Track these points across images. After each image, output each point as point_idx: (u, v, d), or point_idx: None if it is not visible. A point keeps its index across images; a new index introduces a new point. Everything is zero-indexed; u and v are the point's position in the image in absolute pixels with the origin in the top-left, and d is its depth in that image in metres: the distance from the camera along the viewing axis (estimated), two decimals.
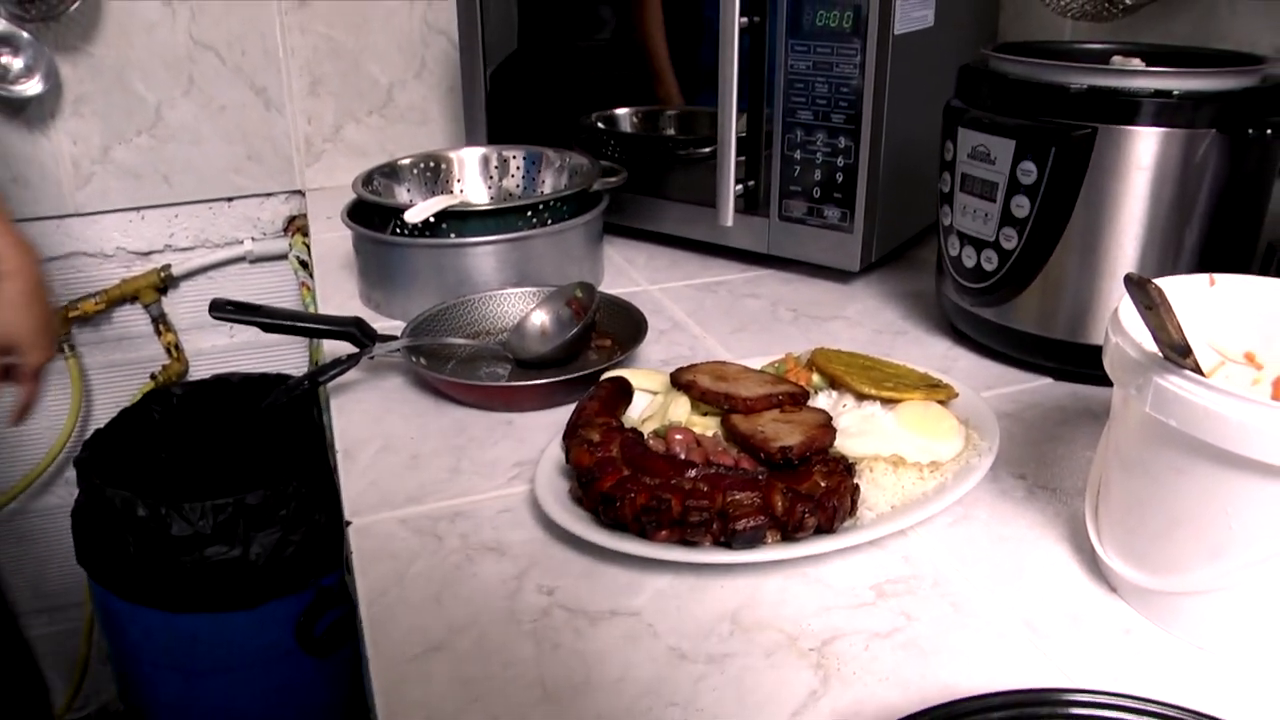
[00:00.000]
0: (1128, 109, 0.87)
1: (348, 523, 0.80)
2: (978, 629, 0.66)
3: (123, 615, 1.51)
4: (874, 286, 1.25)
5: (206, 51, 1.66)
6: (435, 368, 1.01)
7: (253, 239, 1.80)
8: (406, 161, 1.33)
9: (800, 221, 1.21)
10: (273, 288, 1.85)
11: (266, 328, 1.01)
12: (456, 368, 1.03)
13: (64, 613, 1.94)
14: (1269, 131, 0.85)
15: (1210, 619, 0.64)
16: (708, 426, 0.84)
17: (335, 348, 1.04)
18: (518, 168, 1.36)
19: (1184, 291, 0.74)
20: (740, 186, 1.23)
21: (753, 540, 0.70)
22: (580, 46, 1.37)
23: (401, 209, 1.12)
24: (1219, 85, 0.87)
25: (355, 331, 1.00)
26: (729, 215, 1.22)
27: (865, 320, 1.15)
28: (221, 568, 1.41)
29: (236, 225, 1.79)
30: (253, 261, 1.82)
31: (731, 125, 1.17)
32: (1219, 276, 0.74)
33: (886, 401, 0.85)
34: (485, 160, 1.37)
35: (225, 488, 1.42)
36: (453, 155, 1.36)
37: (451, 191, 1.35)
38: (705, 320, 1.15)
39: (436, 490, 0.83)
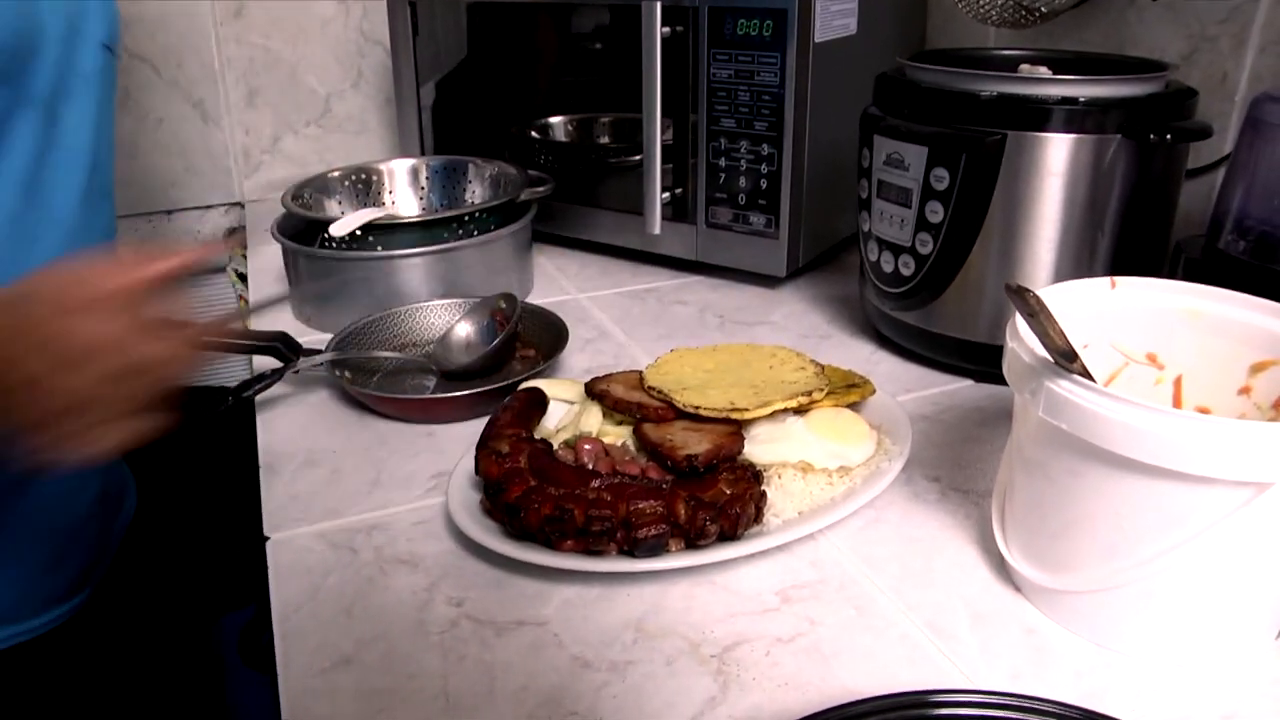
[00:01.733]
0: (1036, 115, 0.89)
1: (265, 538, 0.80)
2: (881, 631, 0.67)
3: None
4: (801, 291, 1.26)
5: (142, 64, 1.65)
6: (361, 381, 1.01)
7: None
8: (336, 174, 1.32)
9: (727, 229, 1.22)
10: (214, 300, 1.83)
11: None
12: (383, 380, 1.03)
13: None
14: (1168, 136, 0.87)
15: (1107, 617, 0.65)
16: (620, 436, 0.84)
17: (267, 362, 1.04)
18: (447, 178, 1.36)
19: (1087, 295, 0.75)
20: (668, 194, 1.24)
21: (655, 549, 0.70)
22: (529, 53, 1.37)
23: (327, 222, 1.12)
24: (1124, 92, 0.89)
25: (280, 346, 1.00)
26: (656, 223, 1.23)
27: (791, 325, 1.16)
28: None
29: (177, 238, 1.78)
30: (195, 273, 1.80)
31: (656, 134, 1.18)
32: (1120, 279, 0.75)
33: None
34: (414, 171, 1.37)
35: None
36: (383, 167, 1.36)
37: (383, 203, 1.35)
38: (632, 328, 1.16)
39: (355, 503, 0.83)
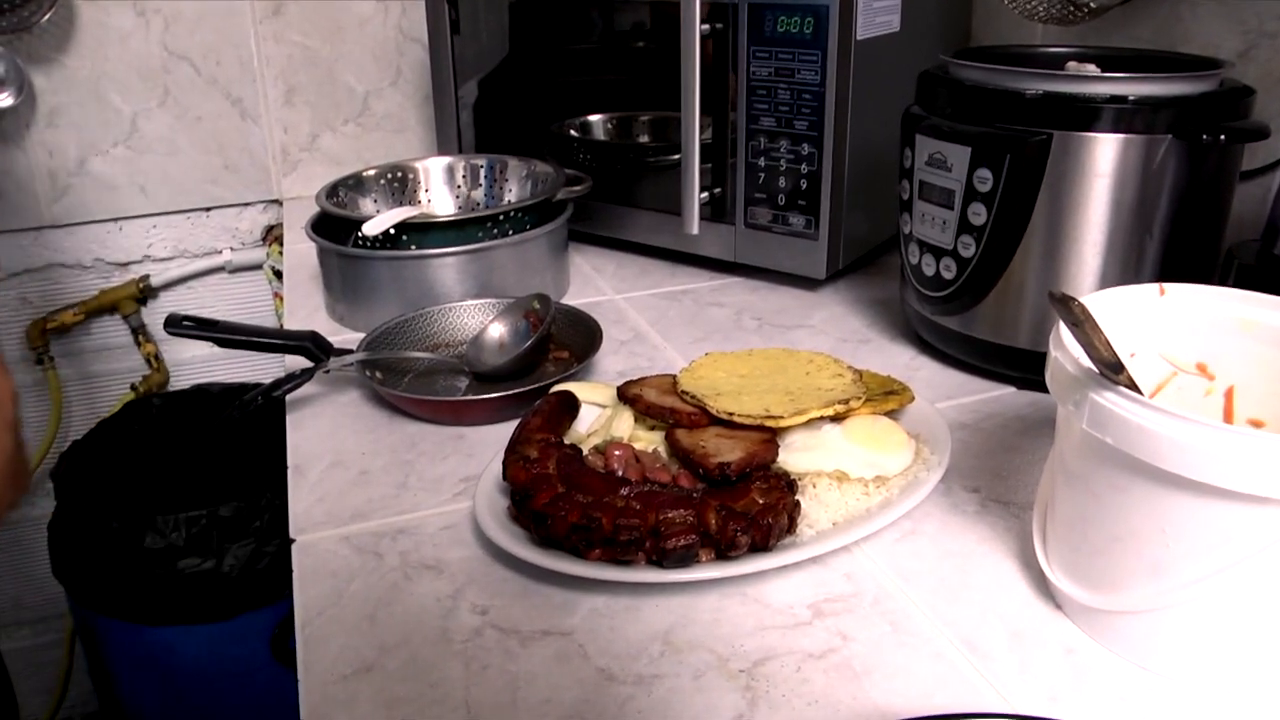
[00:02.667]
0: (1083, 115, 0.86)
1: (291, 540, 0.79)
2: (915, 649, 0.65)
3: (99, 628, 1.51)
4: (841, 294, 1.23)
5: (181, 62, 1.65)
6: (391, 381, 1.00)
7: (231, 249, 1.80)
8: (372, 173, 1.32)
9: (766, 229, 1.20)
10: (250, 298, 1.84)
11: (221, 343, 1.00)
12: (413, 381, 1.02)
13: (46, 625, 1.94)
14: (1222, 136, 0.84)
15: (1151, 638, 0.63)
16: (652, 441, 0.83)
17: (298, 362, 1.03)
18: (484, 177, 1.35)
19: (1135, 302, 0.73)
20: (706, 194, 1.22)
21: (685, 559, 0.69)
22: (570, 51, 1.36)
23: (361, 221, 1.11)
24: (1175, 90, 0.86)
25: (310, 346, 0.99)
26: (695, 223, 1.21)
27: (830, 329, 1.14)
28: (195, 580, 1.40)
29: (215, 235, 1.79)
30: (231, 271, 1.81)
31: (695, 133, 1.16)
32: (1169, 286, 0.73)
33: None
34: (450, 170, 1.36)
35: (200, 499, 1.42)
36: (419, 165, 1.35)
37: (418, 202, 1.34)
38: (668, 330, 1.14)
39: (382, 506, 0.82)
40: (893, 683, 0.62)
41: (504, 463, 0.78)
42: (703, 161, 1.19)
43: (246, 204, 1.77)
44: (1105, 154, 0.86)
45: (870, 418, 0.83)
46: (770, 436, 0.79)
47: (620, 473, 0.76)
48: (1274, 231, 0.90)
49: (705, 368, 0.90)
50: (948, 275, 0.96)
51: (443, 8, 1.42)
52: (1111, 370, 0.59)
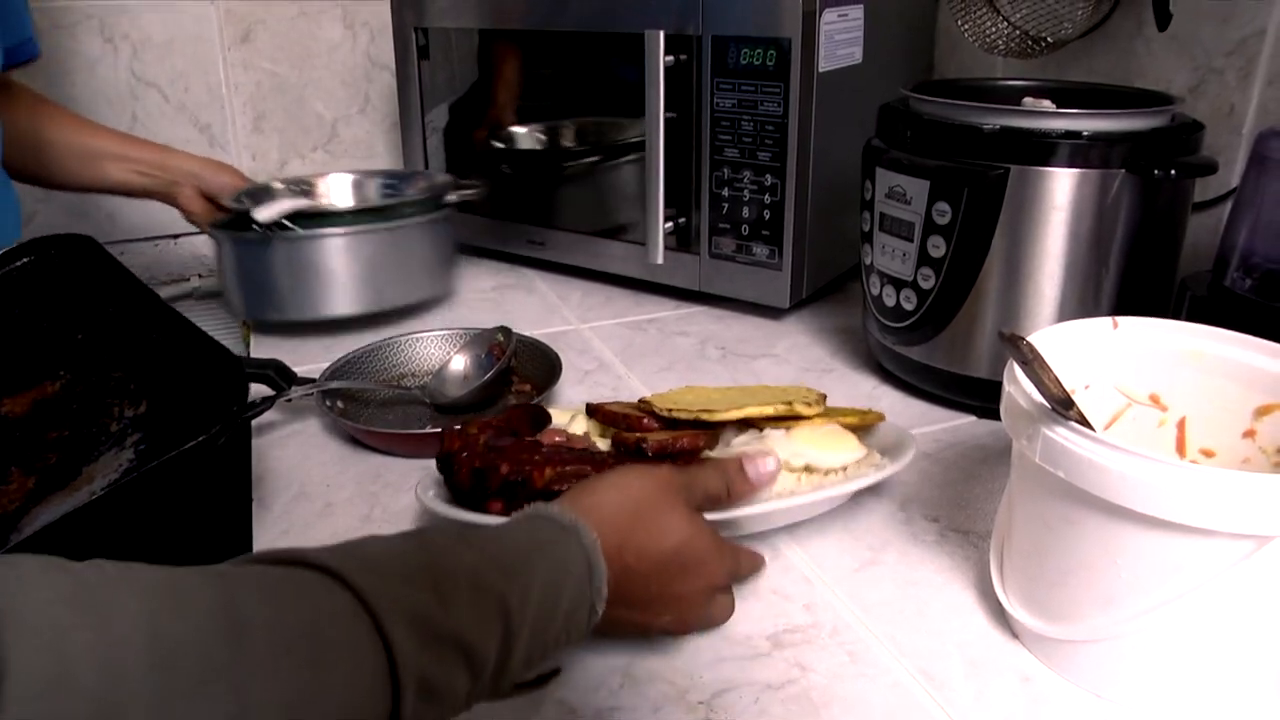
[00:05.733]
0: (1040, 150, 0.88)
1: None
2: (873, 679, 0.65)
3: None
4: (805, 322, 1.25)
5: (149, 89, 1.65)
6: (353, 411, 1.00)
7: (199, 276, 1.79)
8: (279, 185, 1.35)
9: (730, 259, 1.21)
10: (220, 325, 1.83)
11: None
12: (376, 411, 1.02)
13: None
14: (1173, 171, 0.85)
15: (1105, 667, 0.64)
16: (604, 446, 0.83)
17: (259, 389, 1.03)
18: (385, 191, 1.41)
19: (1089, 335, 0.74)
20: (671, 224, 1.23)
21: None
22: (537, 77, 1.37)
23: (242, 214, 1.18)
24: (1128, 126, 0.88)
25: (272, 374, 0.99)
26: (659, 253, 1.22)
27: (793, 358, 1.14)
28: None
29: (184, 263, 1.78)
30: (200, 298, 1.80)
31: (659, 163, 1.18)
32: (1122, 319, 0.74)
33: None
34: (358, 185, 1.43)
35: None
36: (325, 179, 1.43)
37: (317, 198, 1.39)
38: (632, 360, 1.15)
39: (347, 539, 0.82)
40: (851, 714, 0.62)
41: (442, 434, 0.79)
42: (667, 191, 1.20)
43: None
44: (1061, 188, 0.88)
45: (821, 425, 0.81)
46: (708, 435, 0.79)
47: (550, 448, 0.77)
48: (1224, 264, 0.92)
49: (680, 392, 0.89)
50: (908, 306, 0.97)
51: (411, 34, 1.43)
52: (1062, 406, 0.60)
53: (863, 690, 0.64)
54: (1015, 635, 0.70)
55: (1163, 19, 1.08)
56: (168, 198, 1.29)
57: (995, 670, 0.66)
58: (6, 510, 0.66)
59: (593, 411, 0.85)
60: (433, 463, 0.79)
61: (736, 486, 0.68)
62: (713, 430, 0.79)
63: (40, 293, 0.71)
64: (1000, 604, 0.70)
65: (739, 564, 0.69)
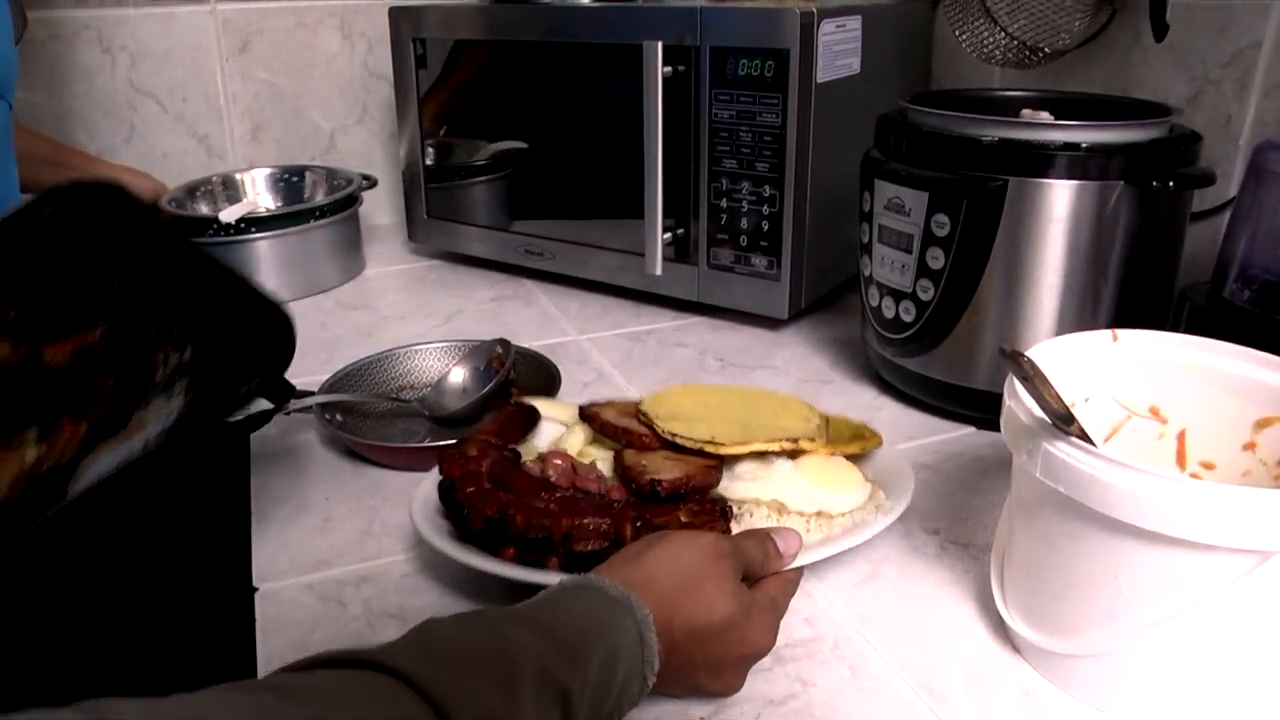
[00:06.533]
0: (1038, 161, 0.88)
1: (254, 589, 0.79)
2: (874, 693, 0.65)
3: None
4: (804, 333, 1.25)
5: (147, 99, 1.65)
6: (352, 424, 1.00)
7: None
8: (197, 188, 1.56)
9: (729, 270, 1.22)
10: None
11: None
12: (375, 424, 1.02)
13: None
14: (1171, 183, 0.85)
15: (1106, 681, 0.64)
16: (603, 460, 0.83)
17: (259, 402, 1.03)
18: (289, 185, 1.64)
19: (1089, 348, 0.74)
20: (669, 235, 1.23)
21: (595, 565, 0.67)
22: (535, 86, 1.37)
23: (201, 219, 1.38)
24: (1126, 137, 0.88)
25: (273, 387, 0.99)
26: (658, 264, 1.22)
27: (792, 369, 1.14)
28: None
29: None
30: None
31: (658, 174, 1.18)
32: (1122, 332, 0.74)
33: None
34: (272, 179, 1.65)
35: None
36: (240, 176, 1.63)
37: (253, 201, 1.60)
38: (631, 371, 1.15)
39: (346, 553, 0.82)
40: None
41: (440, 457, 0.78)
42: (665, 202, 1.20)
43: None
44: (1060, 199, 0.88)
45: (826, 457, 0.81)
46: (715, 463, 0.78)
47: (554, 479, 0.77)
48: (1223, 275, 0.92)
49: (677, 395, 0.88)
50: (907, 318, 0.97)
51: (409, 44, 1.43)
52: (1063, 421, 0.60)
53: (864, 705, 0.64)
54: (1016, 649, 0.70)
55: (1160, 30, 1.08)
56: None
57: (996, 684, 0.66)
58: (61, 461, 0.66)
59: (589, 417, 0.85)
60: (427, 484, 0.79)
61: (771, 560, 0.68)
62: (720, 461, 0.79)
63: (70, 241, 0.70)
64: (1001, 617, 0.70)
65: (779, 615, 0.68)
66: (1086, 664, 0.64)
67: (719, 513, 0.72)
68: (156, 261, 0.71)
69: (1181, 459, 0.75)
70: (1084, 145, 0.87)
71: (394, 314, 1.35)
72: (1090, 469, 0.57)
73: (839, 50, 1.16)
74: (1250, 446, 0.71)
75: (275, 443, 1.00)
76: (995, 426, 0.95)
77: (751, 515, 0.75)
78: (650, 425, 0.81)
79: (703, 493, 0.75)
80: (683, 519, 0.70)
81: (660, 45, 1.14)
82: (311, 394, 1.00)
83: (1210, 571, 0.56)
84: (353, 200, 1.50)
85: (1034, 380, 0.58)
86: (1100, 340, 0.74)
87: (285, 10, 1.68)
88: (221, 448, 1.02)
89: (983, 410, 0.97)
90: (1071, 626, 0.64)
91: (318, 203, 1.47)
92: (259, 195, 1.63)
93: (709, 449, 0.78)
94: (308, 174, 1.64)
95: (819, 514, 0.76)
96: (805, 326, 1.26)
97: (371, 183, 1.58)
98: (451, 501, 0.73)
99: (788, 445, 0.79)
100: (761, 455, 0.80)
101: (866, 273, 1.02)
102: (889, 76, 1.30)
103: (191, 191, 1.56)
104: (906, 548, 0.81)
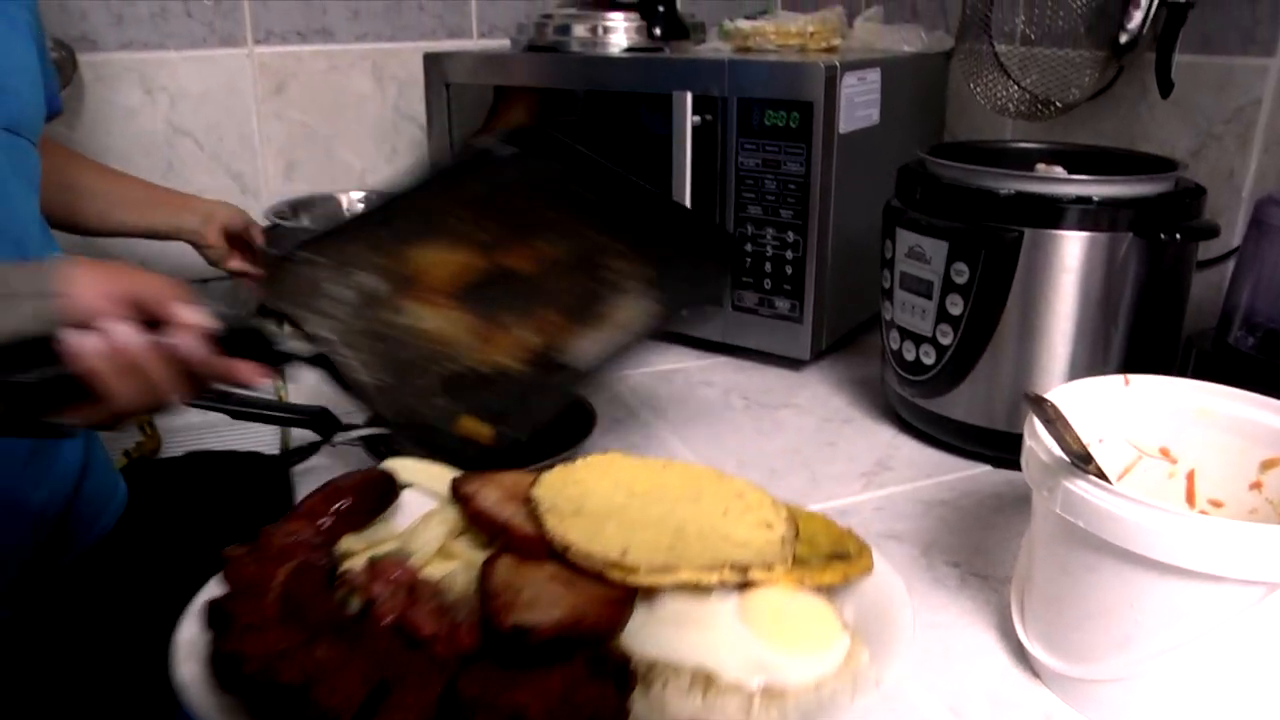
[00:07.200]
0: (1052, 214, 0.93)
1: None
2: (904, 714, 0.70)
3: None
4: (824, 373, 1.29)
5: (185, 138, 1.71)
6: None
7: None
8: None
9: (752, 312, 1.27)
10: None
11: (235, 414, 1.04)
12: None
13: None
14: (1178, 235, 0.90)
15: (1122, 705, 0.68)
16: (472, 565, 0.59)
17: (302, 434, 1.07)
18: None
19: (1102, 392, 0.79)
20: None
21: None
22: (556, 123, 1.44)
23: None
24: (1134, 191, 0.93)
25: (320, 420, 1.04)
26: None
27: (815, 408, 1.19)
28: None
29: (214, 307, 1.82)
30: None
31: None
32: (1134, 377, 0.79)
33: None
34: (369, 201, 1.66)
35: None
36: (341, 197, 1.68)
37: None
38: (660, 409, 1.19)
39: None
40: None
41: (228, 555, 0.58)
42: None
43: (245, 275, 1.82)
44: (1073, 250, 0.93)
45: (790, 592, 0.59)
46: (625, 596, 0.55)
47: (379, 608, 0.54)
48: (1228, 323, 0.97)
49: (592, 469, 0.68)
50: (927, 361, 1.02)
51: (443, 90, 1.48)
52: (1081, 461, 0.64)
53: None
54: (1036, 674, 0.74)
55: (1165, 86, 1.14)
56: (194, 236, 1.41)
57: (1018, 708, 0.71)
58: (553, 342, 0.84)
59: (463, 498, 0.63)
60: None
61: None
62: (629, 596, 0.56)
63: (529, 173, 0.90)
64: (1020, 645, 0.74)
65: None
66: (1103, 689, 0.68)
67: (609, 682, 0.50)
68: (600, 191, 0.92)
69: (1191, 497, 0.79)
70: (1095, 199, 0.92)
71: None
72: (1107, 505, 0.62)
73: (859, 102, 1.22)
74: (1257, 486, 0.76)
75: (322, 474, 1.04)
76: (1010, 465, 1.01)
77: (665, 687, 0.53)
78: (540, 537, 0.59)
79: (598, 644, 0.52)
80: (542, 698, 0.48)
81: (690, 95, 1.20)
82: (357, 427, 1.05)
83: (1219, 601, 0.60)
84: None
85: (1056, 423, 0.63)
86: (1113, 385, 0.79)
87: (319, 54, 1.74)
88: (265, 480, 1.07)
89: (998, 449, 1.02)
90: (1089, 653, 0.68)
91: None
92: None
93: (615, 574, 0.55)
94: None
95: (766, 691, 0.54)
96: (826, 366, 1.31)
97: None
98: (214, 644, 0.52)
99: (730, 576, 0.57)
100: (701, 588, 0.57)
101: (888, 317, 1.07)
102: (905, 126, 1.36)
103: (294, 207, 1.61)
104: (929, 579, 0.85)
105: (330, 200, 1.70)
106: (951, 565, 0.87)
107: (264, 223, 1.56)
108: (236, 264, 1.45)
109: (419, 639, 0.52)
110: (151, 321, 0.67)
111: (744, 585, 0.58)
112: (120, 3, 1.60)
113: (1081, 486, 0.63)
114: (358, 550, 0.61)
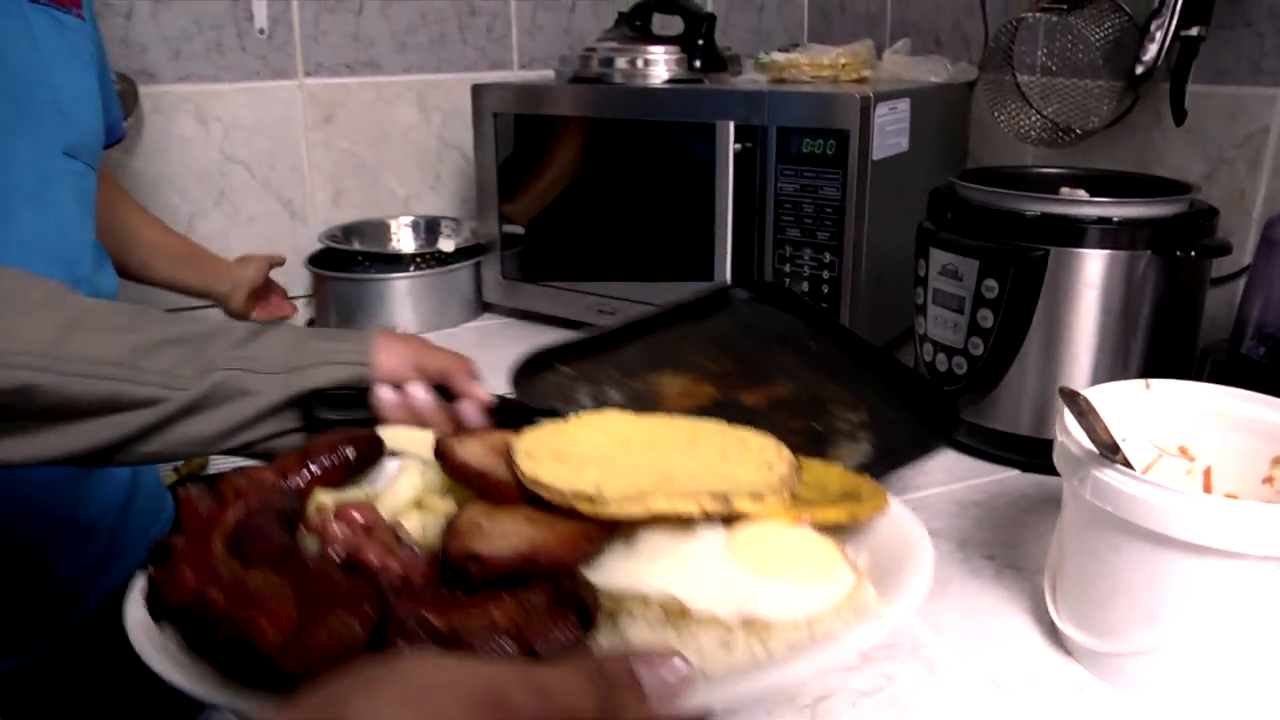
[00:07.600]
0: (1075, 233, 1.00)
1: None
2: (950, 687, 0.77)
3: None
4: None
5: (237, 166, 1.79)
6: None
7: None
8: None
9: None
10: None
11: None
12: None
13: None
14: (1192, 253, 0.98)
15: (1148, 675, 0.75)
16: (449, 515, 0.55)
17: None
18: (429, 232, 1.82)
19: (1125, 395, 0.85)
20: None
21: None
22: (596, 161, 1.51)
23: (385, 255, 1.60)
24: (1152, 213, 1.00)
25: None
26: None
27: None
28: None
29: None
30: None
31: (727, 241, 1.31)
32: (1154, 381, 0.86)
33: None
34: (415, 225, 1.83)
35: None
36: (391, 223, 1.83)
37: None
38: None
39: None
40: (933, 715, 0.74)
41: (181, 498, 0.54)
42: (733, 266, 1.33)
43: (293, 298, 1.89)
44: (1094, 267, 1.00)
45: (785, 526, 0.54)
46: (590, 531, 0.51)
47: (335, 548, 0.51)
48: (1241, 334, 1.04)
49: (585, 424, 0.63)
50: (959, 371, 1.09)
51: (490, 120, 1.56)
52: (1110, 451, 0.71)
53: (941, 696, 0.76)
54: (1068, 652, 0.81)
55: (1179, 114, 1.21)
56: (223, 299, 1.51)
57: (1053, 681, 0.78)
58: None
59: (441, 454, 0.58)
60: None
61: (624, 711, 0.38)
62: (600, 531, 0.52)
63: (758, 320, 1.05)
64: (1054, 627, 0.81)
65: None
66: (1130, 661, 0.75)
67: (569, 613, 0.45)
68: (827, 342, 1.07)
69: (1208, 491, 0.86)
70: (1115, 219, 1.00)
71: None
72: (1134, 490, 0.69)
73: (891, 130, 1.29)
74: (1269, 480, 0.82)
75: None
76: (1038, 469, 1.08)
77: (632, 619, 0.48)
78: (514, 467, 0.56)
79: (559, 577, 0.47)
80: (496, 619, 0.44)
81: (732, 124, 1.28)
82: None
83: (1236, 577, 0.67)
84: (480, 248, 1.68)
85: (1087, 415, 0.70)
86: (1135, 389, 0.86)
87: (367, 85, 1.82)
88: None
89: (1026, 454, 1.09)
90: (1116, 629, 0.75)
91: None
92: (400, 237, 1.83)
93: (584, 507, 0.51)
94: (443, 223, 1.83)
95: (749, 623, 0.48)
96: None
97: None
98: (149, 569, 0.50)
99: (711, 505, 0.52)
100: (683, 522, 0.52)
101: (921, 331, 1.15)
102: (932, 153, 1.43)
103: (346, 232, 1.74)
104: (966, 570, 0.92)
105: (380, 225, 1.80)
106: (987, 558, 0.94)
107: (317, 245, 1.65)
108: (257, 315, 1.54)
109: (367, 572, 0.48)
110: (441, 389, 0.79)
111: (733, 520, 0.53)
112: (178, 38, 1.69)
113: (1110, 475, 0.70)
114: (328, 506, 0.57)
